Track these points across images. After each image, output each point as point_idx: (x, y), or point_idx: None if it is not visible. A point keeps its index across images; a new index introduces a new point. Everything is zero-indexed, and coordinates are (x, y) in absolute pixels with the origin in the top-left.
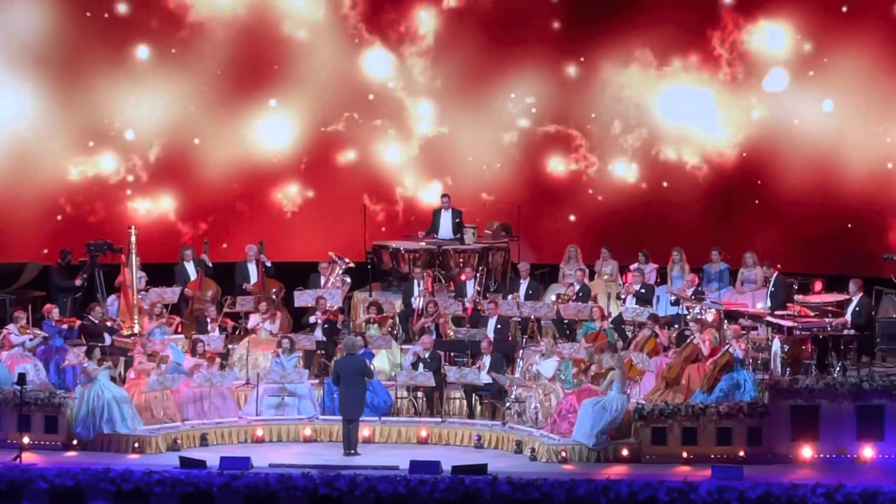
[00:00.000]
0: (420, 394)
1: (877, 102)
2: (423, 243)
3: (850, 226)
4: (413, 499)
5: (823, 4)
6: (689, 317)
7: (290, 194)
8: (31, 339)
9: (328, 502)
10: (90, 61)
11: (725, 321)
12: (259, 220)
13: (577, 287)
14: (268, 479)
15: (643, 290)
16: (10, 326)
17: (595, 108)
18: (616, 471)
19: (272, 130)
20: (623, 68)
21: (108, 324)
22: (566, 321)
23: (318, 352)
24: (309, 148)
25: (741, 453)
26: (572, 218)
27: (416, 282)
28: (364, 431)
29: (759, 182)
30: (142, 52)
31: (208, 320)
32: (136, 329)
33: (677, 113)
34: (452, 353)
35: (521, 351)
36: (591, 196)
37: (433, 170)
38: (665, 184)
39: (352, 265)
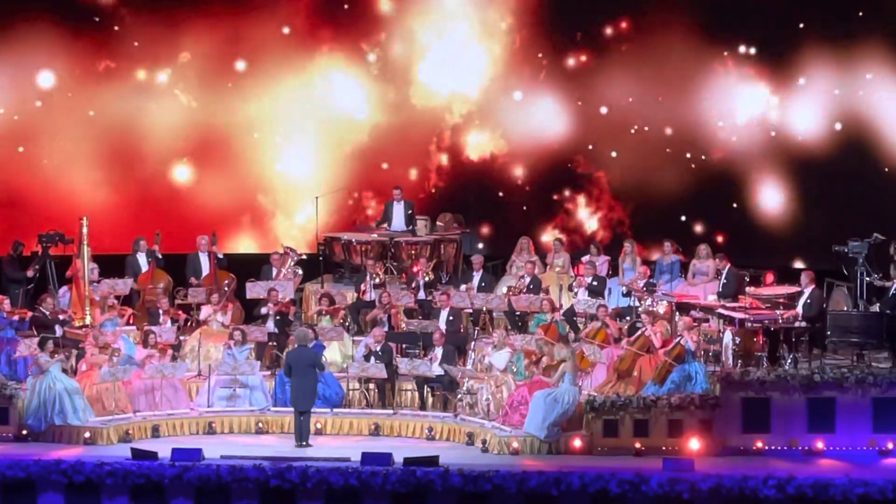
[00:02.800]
0: (372, 385)
1: None
2: (375, 235)
3: None
4: (365, 491)
5: None
6: (640, 309)
7: None
8: None
9: (280, 494)
10: None
11: (677, 313)
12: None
13: (528, 279)
14: (219, 471)
15: (595, 283)
16: None
17: None
18: (568, 463)
19: None
20: None
21: (60, 315)
22: (518, 313)
23: (270, 343)
24: None
25: (693, 445)
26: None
27: (368, 273)
28: (316, 423)
29: None
30: None
31: (160, 312)
32: (88, 320)
33: None
34: (404, 345)
35: (473, 343)
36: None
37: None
38: None
39: (304, 257)
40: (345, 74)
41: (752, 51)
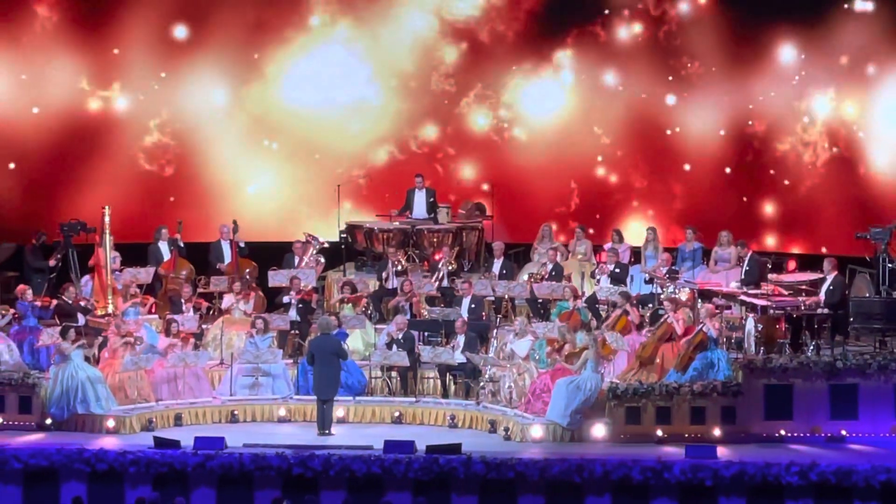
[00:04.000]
0: (394, 373)
1: None
2: (397, 223)
3: None
4: (387, 478)
5: None
6: (662, 296)
7: None
8: (1, 318)
9: (302, 482)
10: None
11: (699, 300)
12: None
13: (550, 266)
14: (242, 459)
15: (617, 270)
16: None
17: None
18: (590, 450)
19: None
20: None
21: (82, 304)
22: (540, 300)
23: (293, 332)
24: None
25: (715, 432)
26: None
27: (390, 261)
28: (338, 411)
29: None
30: None
31: (182, 300)
32: (110, 309)
33: None
34: (426, 333)
35: (495, 330)
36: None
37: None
38: None
39: (326, 245)
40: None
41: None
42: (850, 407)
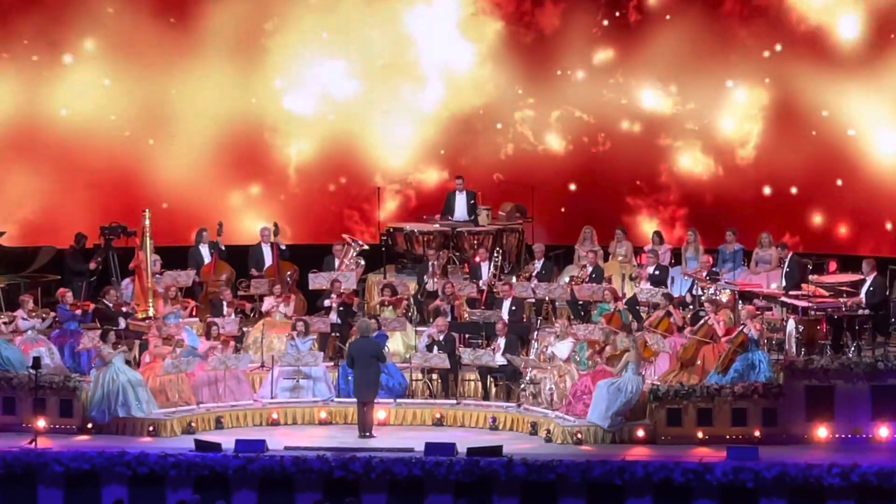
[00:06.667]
0: (435, 376)
1: None
2: (437, 225)
3: None
4: (428, 481)
5: None
6: (703, 297)
7: None
8: (41, 321)
9: (343, 485)
10: None
11: (740, 302)
12: None
13: (590, 268)
14: (283, 462)
15: (658, 272)
16: (19, 311)
17: None
18: (631, 452)
19: None
20: None
21: (123, 307)
22: (581, 302)
23: (333, 334)
24: None
25: (756, 434)
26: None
27: (430, 264)
28: (379, 414)
29: None
30: None
31: (223, 303)
32: (151, 312)
33: None
34: (467, 335)
35: (535, 332)
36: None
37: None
38: None
39: (366, 247)
40: None
41: None
42: (891, 408)
